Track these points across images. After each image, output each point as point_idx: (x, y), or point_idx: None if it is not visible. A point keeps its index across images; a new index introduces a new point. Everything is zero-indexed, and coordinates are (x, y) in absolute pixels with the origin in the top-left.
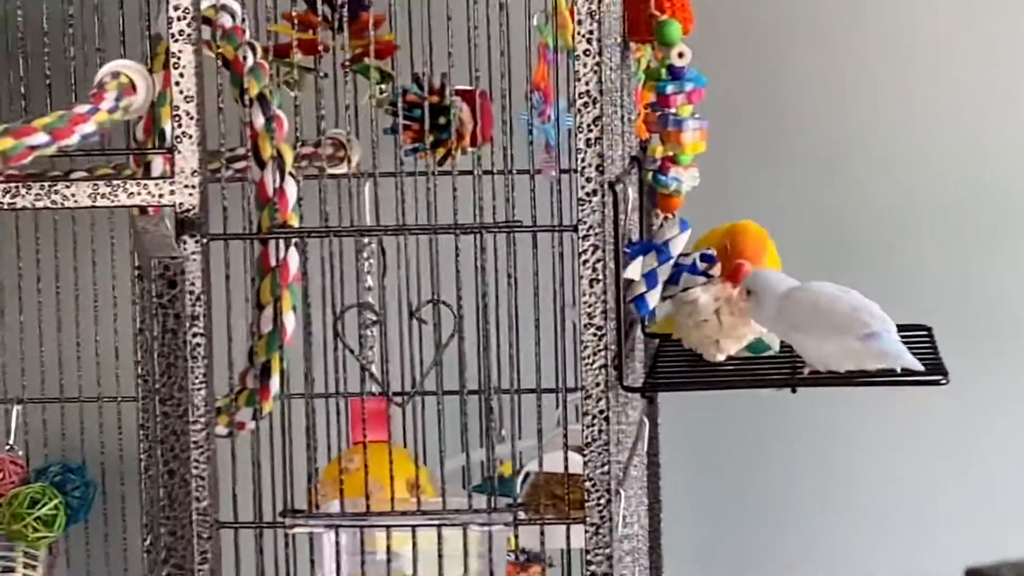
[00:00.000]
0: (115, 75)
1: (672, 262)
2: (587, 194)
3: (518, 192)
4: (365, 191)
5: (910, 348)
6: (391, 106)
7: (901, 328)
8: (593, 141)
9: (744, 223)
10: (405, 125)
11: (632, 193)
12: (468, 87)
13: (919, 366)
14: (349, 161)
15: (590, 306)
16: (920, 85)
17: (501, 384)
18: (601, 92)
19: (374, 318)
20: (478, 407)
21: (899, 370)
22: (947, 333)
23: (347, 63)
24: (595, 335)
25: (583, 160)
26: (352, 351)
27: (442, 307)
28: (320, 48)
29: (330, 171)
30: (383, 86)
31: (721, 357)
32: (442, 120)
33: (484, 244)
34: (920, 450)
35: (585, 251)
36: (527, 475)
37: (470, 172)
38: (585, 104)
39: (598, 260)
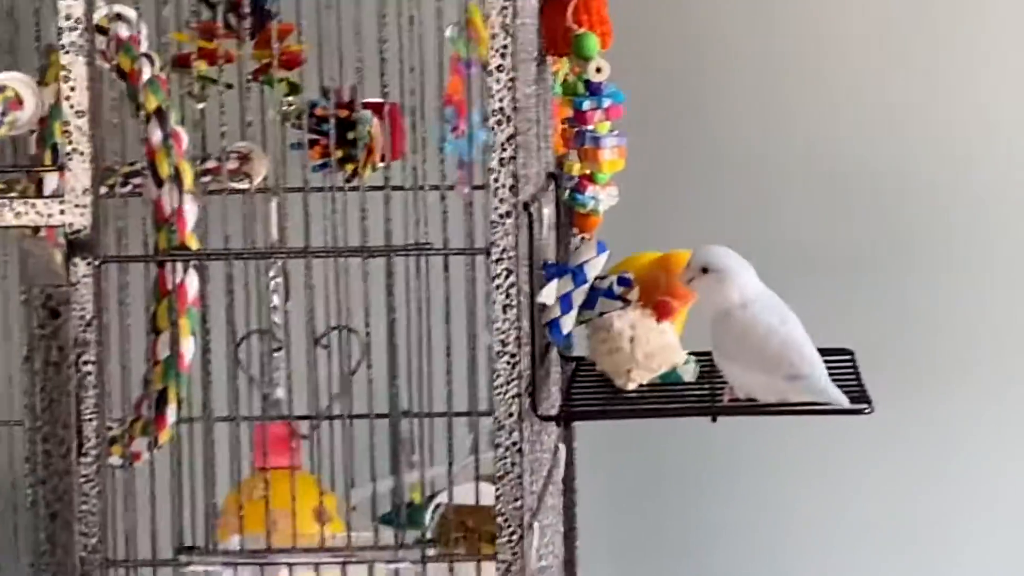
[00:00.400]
0: (1, 88)
1: (588, 285)
2: (500, 216)
3: (430, 210)
4: (271, 208)
5: (834, 375)
6: (298, 120)
7: (824, 352)
8: (507, 160)
9: (679, 254)
10: (312, 140)
11: (548, 212)
12: (378, 100)
13: (845, 401)
14: (251, 178)
15: (503, 332)
16: (862, 96)
17: (412, 409)
18: (516, 109)
19: (276, 345)
20: (388, 432)
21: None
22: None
23: (253, 75)
24: (508, 363)
25: (496, 180)
26: (253, 379)
27: (351, 332)
28: (223, 58)
29: (234, 187)
30: (290, 99)
31: (632, 386)
32: (351, 135)
33: (392, 268)
34: (846, 474)
35: (498, 275)
36: (437, 506)
37: (380, 188)
38: (499, 122)
39: (511, 285)
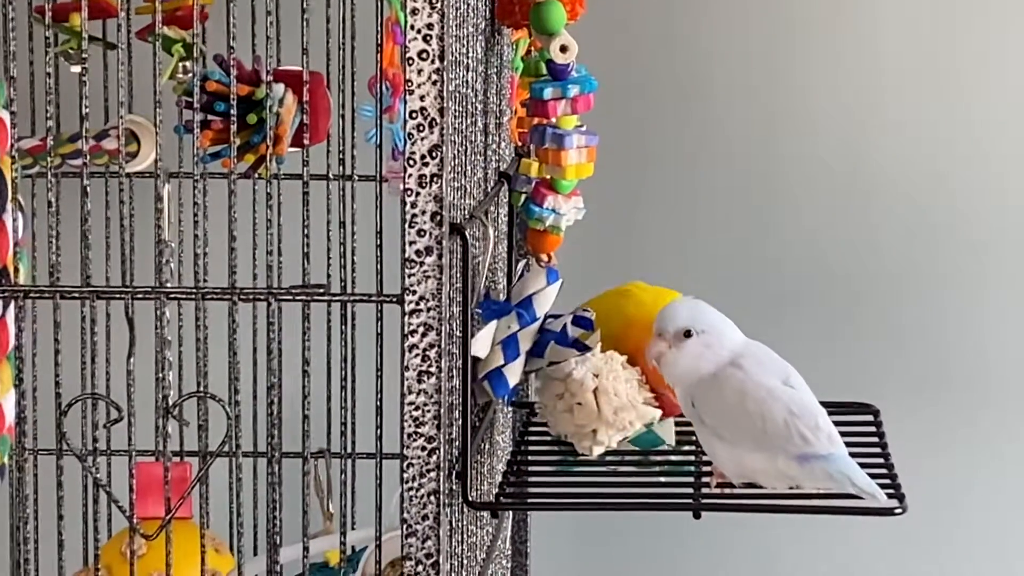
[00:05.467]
0: None
1: (538, 325)
2: (417, 254)
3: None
4: (164, 196)
5: (851, 447)
6: (186, 96)
7: (838, 410)
8: (429, 179)
9: (664, 293)
10: (205, 121)
11: (492, 232)
12: (294, 68)
13: (879, 495)
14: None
15: (417, 408)
16: (869, 101)
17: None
18: (442, 111)
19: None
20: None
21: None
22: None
23: (138, 33)
24: (424, 449)
25: (414, 206)
26: (79, 456)
27: (215, 400)
28: (105, 12)
29: (129, 169)
30: (187, 64)
31: (598, 451)
32: (253, 118)
33: (280, 307)
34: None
35: (413, 332)
36: None
37: (298, 176)
38: (419, 127)
39: (431, 345)
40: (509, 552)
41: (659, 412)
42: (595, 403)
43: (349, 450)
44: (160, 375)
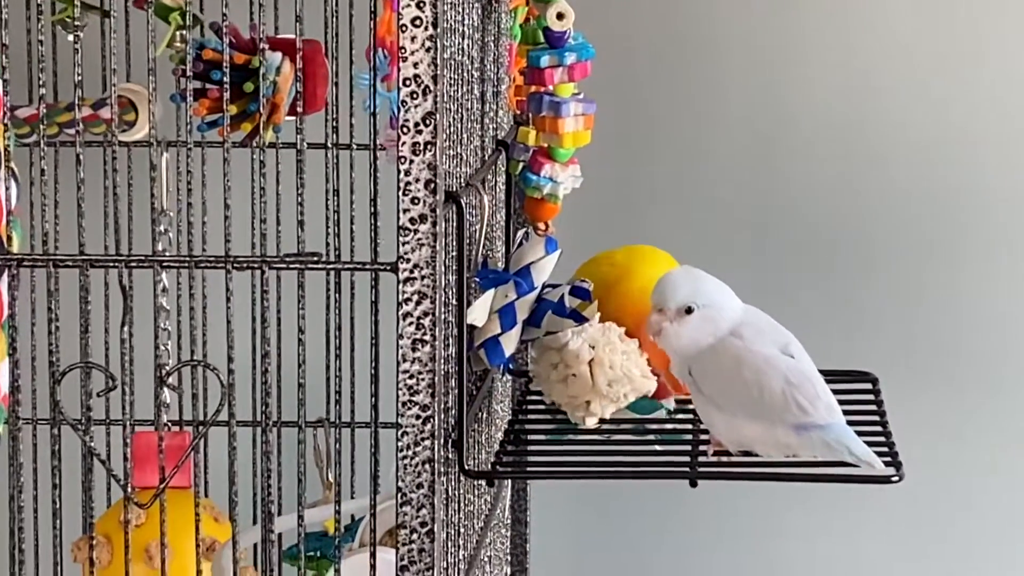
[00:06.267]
0: None
1: (536, 294)
2: (411, 221)
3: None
4: (162, 166)
5: (850, 415)
6: (181, 65)
7: (835, 378)
8: (422, 147)
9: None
10: (202, 90)
11: (488, 201)
12: (291, 36)
13: (876, 463)
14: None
15: (412, 377)
16: (874, 66)
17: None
18: (436, 79)
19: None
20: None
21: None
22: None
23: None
24: (418, 418)
25: (407, 174)
26: (73, 425)
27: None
28: None
29: (127, 139)
30: (184, 32)
31: (591, 422)
32: (250, 86)
33: (277, 276)
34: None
35: (408, 300)
36: (337, 571)
37: (292, 145)
38: (412, 95)
39: (425, 313)
40: (508, 521)
41: (655, 384)
42: (590, 375)
43: (346, 419)
44: (156, 344)
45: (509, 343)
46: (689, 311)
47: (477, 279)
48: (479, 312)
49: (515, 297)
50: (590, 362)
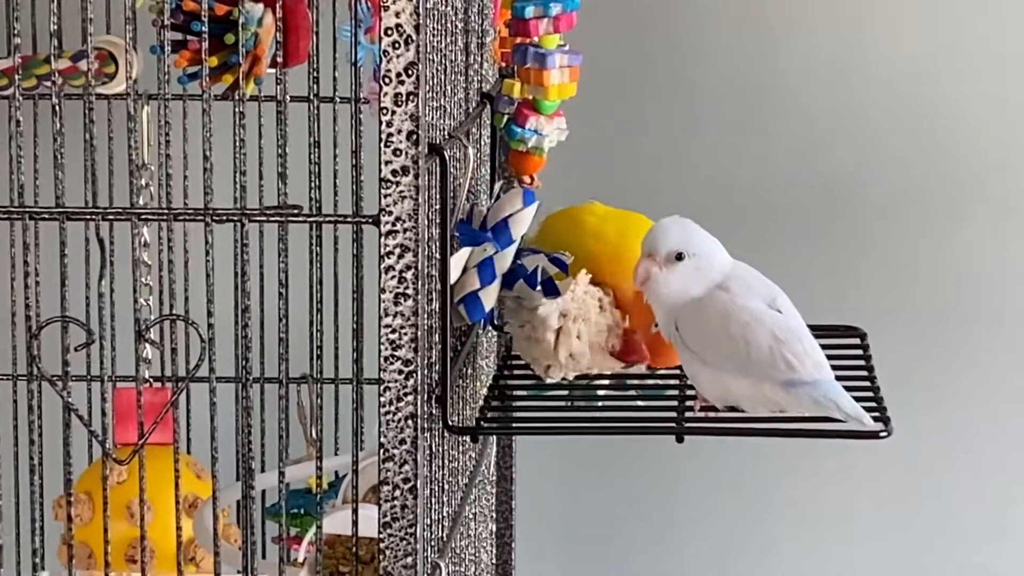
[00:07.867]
0: None
1: (515, 247)
2: (393, 173)
3: (341, 123)
4: (143, 119)
5: (838, 371)
6: (159, 16)
7: (824, 333)
8: (405, 98)
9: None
10: (180, 41)
11: (472, 153)
12: None
13: (865, 419)
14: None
15: (394, 331)
16: (866, 21)
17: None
18: (418, 28)
19: (87, 337)
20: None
21: None
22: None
23: None
24: (401, 373)
25: (389, 125)
26: (50, 380)
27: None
28: None
29: (99, 91)
30: None
31: (555, 378)
32: (231, 38)
33: (258, 230)
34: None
35: (390, 253)
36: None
37: (273, 99)
38: (395, 44)
39: (407, 267)
40: (494, 478)
41: (618, 367)
42: (553, 343)
43: (329, 375)
44: (136, 299)
45: (488, 298)
46: (679, 258)
47: (456, 233)
48: (455, 265)
49: (494, 252)
50: (557, 330)
